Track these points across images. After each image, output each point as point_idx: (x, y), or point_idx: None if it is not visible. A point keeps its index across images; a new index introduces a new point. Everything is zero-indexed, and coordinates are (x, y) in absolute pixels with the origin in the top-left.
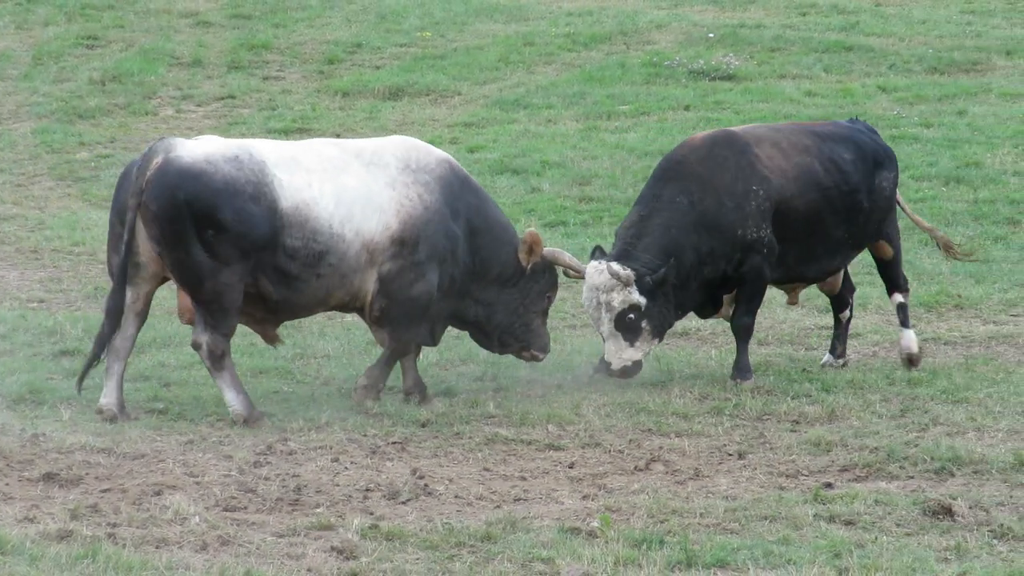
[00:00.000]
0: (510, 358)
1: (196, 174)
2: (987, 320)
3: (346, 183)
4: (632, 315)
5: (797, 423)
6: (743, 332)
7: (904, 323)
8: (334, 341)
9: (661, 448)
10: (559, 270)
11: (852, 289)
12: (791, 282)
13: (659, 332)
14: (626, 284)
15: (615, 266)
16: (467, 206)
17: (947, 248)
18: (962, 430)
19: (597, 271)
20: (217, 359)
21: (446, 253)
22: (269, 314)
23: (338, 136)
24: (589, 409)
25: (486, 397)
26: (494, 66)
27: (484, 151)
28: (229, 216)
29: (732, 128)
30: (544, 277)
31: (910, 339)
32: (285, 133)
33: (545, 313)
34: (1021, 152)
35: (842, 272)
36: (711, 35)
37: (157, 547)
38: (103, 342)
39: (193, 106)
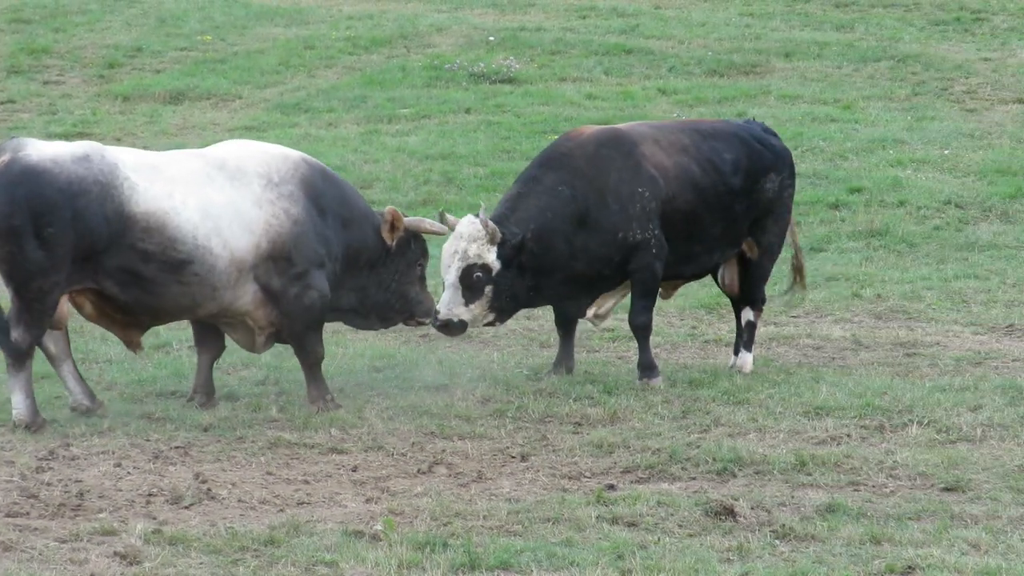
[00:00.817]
0: (294, 363)
1: (39, 173)
2: (768, 322)
3: (212, 197)
4: (480, 274)
5: (579, 425)
6: (642, 331)
7: (747, 345)
8: (116, 346)
9: (444, 451)
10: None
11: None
12: (670, 279)
13: (499, 307)
14: (490, 240)
15: (489, 220)
16: (331, 200)
17: (798, 272)
18: (743, 431)
19: (470, 222)
20: (19, 358)
21: (322, 257)
22: (129, 316)
23: (118, 140)
24: (372, 412)
25: (269, 401)
26: (275, 70)
27: None
28: (68, 215)
29: (618, 126)
30: (411, 248)
31: (745, 361)
32: (65, 137)
33: (422, 279)
34: (800, 154)
35: (737, 272)
36: (491, 38)
37: None
38: None
39: None
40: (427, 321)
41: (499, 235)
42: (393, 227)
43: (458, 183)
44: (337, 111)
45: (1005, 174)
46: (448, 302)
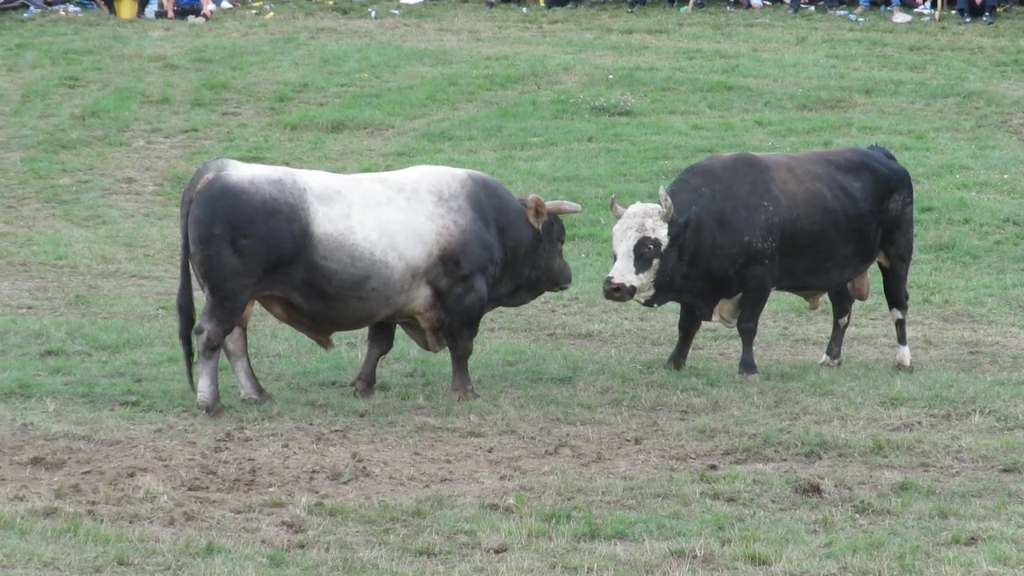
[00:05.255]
0: (436, 357)
1: (238, 192)
2: (850, 323)
3: (390, 216)
4: (651, 247)
5: (686, 413)
6: (747, 334)
7: (901, 339)
8: (284, 342)
9: (568, 435)
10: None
11: (852, 300)
12: (802, 290)
13: (661, 283)
14: (663, 217)
15: (668, 197)
16: (494, 210)
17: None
18: (828, 419)
19: (642, 205)
20: (211, 348)
21: (486, 262)
22: (312, 322)
23: (287, 164)
24: (505, 401)
25: (416, 391)
26: (422, 103)
27: None
28: (262, 230)
29: (756, 153)
30: (553, 228)
31: (903, 355)
32: (241, 161)
33: (560, 252)
34: None
35: (867, 280)
36: (611, 76)
37: (131, 522)
38: (185, 338)
39: (161, 138)
40: (567, 285)
41: (673, 212)
42: (538, 213)
43: (581, 202)
44: (476, 139)
45: None
46: (621, 269)
